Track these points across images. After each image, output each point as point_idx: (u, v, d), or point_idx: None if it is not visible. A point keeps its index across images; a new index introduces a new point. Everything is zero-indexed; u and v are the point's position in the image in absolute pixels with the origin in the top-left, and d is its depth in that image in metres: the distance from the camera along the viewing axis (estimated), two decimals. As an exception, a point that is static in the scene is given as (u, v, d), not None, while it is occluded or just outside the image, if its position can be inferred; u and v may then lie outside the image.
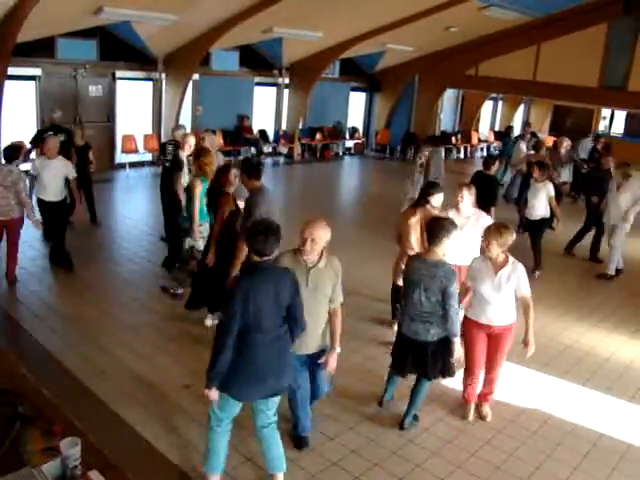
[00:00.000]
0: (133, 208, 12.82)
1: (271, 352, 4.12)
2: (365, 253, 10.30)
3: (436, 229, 5.12)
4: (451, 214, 6.70)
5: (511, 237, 5.22)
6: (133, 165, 15.76)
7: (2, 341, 6.08)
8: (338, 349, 4.80)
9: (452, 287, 4.96)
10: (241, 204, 6.79)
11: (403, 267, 5.80)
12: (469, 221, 6.85)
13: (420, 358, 5.20)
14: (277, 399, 4.37)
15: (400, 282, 6.26)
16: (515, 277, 5.23)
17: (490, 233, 5.25)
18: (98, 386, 5.66)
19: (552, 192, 9.56)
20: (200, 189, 7.29)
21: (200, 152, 7.83)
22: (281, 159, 19.52)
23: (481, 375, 5.64)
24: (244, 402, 4.24)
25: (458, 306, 5.12)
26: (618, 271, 10.12)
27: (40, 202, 8.44)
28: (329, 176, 18.53)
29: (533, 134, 17.04)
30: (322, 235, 4.56)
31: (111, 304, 7.69)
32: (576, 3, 16.59)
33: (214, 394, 4.09)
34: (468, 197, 6.89)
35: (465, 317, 5.51)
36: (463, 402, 5.73)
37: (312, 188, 16.36)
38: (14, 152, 7.91)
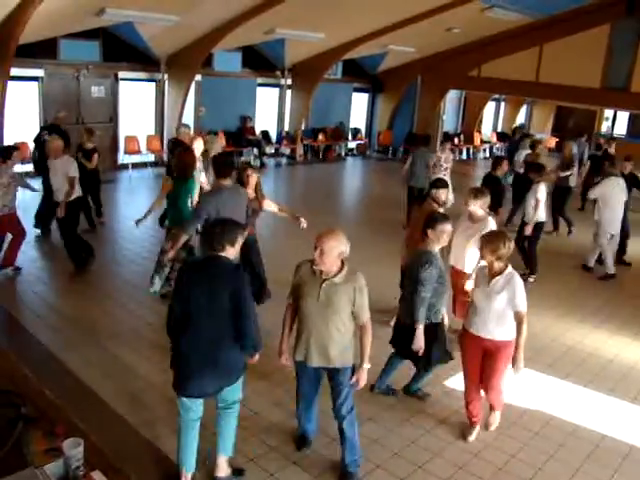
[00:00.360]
0: (135, 209, 12.77)
1: (205, 354, 4.03)
2: (367, 254, 10.29)
3: (426, 221, 5.48)
4: (464, 220, 6.95)
5: (504, 246, 4.92)
6: (136, 166, 15.78)
7: (4, 341, 6.09)
8: (367, 365, 4.50)
9: (422, 273, 5.22)
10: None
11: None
12: (478, 227, 6.69)
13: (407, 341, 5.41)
14: (226, 395, 4.27)
15: None
16: (509, 289, 4.92)
17: (483, 240, 5.13)
18: (100, 387, 5.67)
19: (540, 195, 9.29)
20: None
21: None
22: (283, 160, 19.54)
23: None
24: (184, 398, 4.22)
25: (425, 294, 5.27)
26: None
27: (54, 203, 8.50)
28: (331, 177, 18.53)
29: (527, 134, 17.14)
30: (334, 246, 4.19)
31: (113, 305, 7.70)
32: (578, 4, 16.58)
33: None
34: (474, 202, 6.77)
35: (462, 327, 5.37)
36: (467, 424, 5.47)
37: (314, 189, 16.36)
38: (6, 152, 8.06)
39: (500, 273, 4.99)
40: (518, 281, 4.97)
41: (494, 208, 8.24)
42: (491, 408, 5.48)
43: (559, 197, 12.42)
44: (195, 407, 4.26)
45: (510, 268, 5.04)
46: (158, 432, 5.07)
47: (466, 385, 5.37)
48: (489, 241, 5.01)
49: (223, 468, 4.44)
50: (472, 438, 5.34)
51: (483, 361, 5.16)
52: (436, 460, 5.02)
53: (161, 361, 6.24)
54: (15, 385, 3.16)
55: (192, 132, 10.45)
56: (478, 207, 6.78)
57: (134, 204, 13.29)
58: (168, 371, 6.01)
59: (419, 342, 5.29)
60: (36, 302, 7.60)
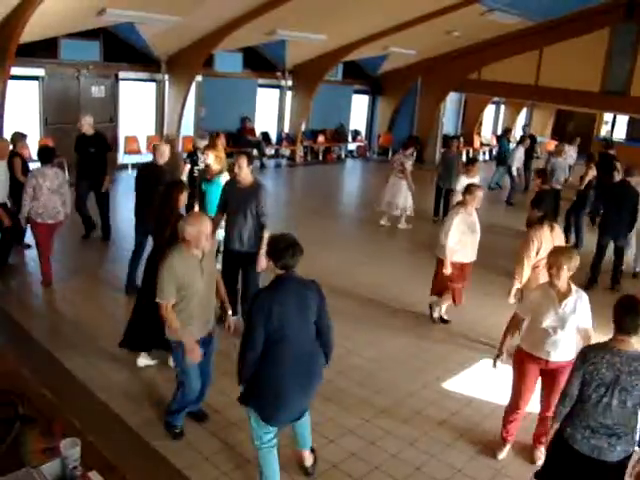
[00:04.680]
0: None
1: (298, 368, 4.14)
2: (366, 254, 10.33)
3: (632, 312, 3.81)
4: (461, 213, 7.21)
5: (577, 260, 4.73)
6: (136, 166, 15.75)
7: (3, 341, 6.09)
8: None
9: None
10: None
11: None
12: (473, 220, 7.38)
13: None
14: (307, 419, 4.63)
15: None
16: (581, 307, 4.74)
17: (559, 257, 4.69)
18: (98, 387, 5.67)
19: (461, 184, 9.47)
20: None
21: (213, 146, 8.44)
22: (283, 161, 19.54)
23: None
24: (275, 426, 4.32)
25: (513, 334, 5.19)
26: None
27: None
28: (331, 179, 18.54)
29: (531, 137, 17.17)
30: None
31: (112, 305, 7.70)
32: (578, 8, 16.59)
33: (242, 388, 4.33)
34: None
35: (519, 347, 5.06)
36: (499, 441, 5.30)
37: (314, 191, 16.36)
38: (51, 154, 7.99)
39: (569, 292, 4.76)
40: (586, 298, 4.83)
41: None
42: (541, 439, 5.12)
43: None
44: (274, 428, 4.37)
45: (574, 285, 4.84)
46: (155, 433, 5.07)
47: (515, 405, 5.12)
48: (568, 259, 4.68)
49: (309, 458, 4.81)
50: (503, 455, 5.23)
51: (544, 382, 5.03)
52: (432, 462, 5.04)
53: (159, 362, 6.26)
54: (13, 385, 3.17)
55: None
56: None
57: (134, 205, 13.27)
58: (165, 371, 6.07)
59: None
60: (35, 302, 7.61)
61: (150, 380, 5.95)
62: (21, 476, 2.45)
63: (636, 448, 3.92)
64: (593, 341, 4.43)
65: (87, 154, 9.83)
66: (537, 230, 6.62)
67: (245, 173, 6.72)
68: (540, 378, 5.03)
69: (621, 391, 3.74)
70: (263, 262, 6.52)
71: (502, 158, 16.91)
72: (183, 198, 6.02)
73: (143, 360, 6.24)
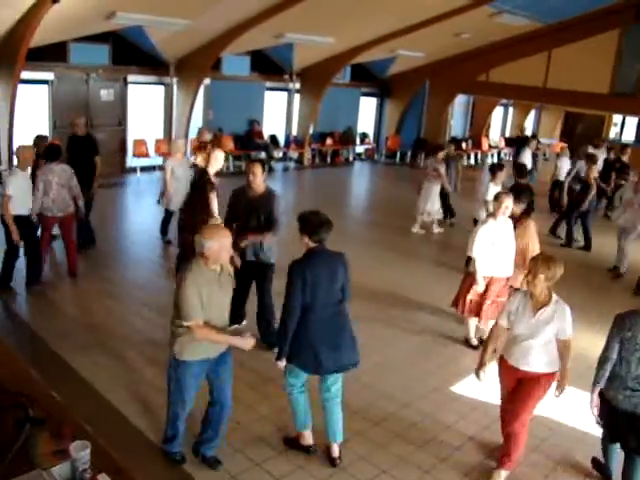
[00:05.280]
0: (144, 212, 12.85)
1: (330, 328, 4.66)
2: (377, 257, 10.32)
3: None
4: (490, 223, 6.83)
5: (560, 270, 4.53)
6: (144, 169, 15.81)
7: (13, 344, 6.12)
8: None
9: None
10: None
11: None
12: (505, 230, 6.87)
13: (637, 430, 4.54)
14: (338, 377, 4.86)
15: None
16: (561, 317, 4.55)
17: (537, 264, 4.55)
18: (108, 390, 5.68)
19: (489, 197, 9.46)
20: None
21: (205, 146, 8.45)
22: (291, 164, 19.55)
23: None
24: (310, 374, 4.79)
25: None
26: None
27: None
28: (339, 181, 18.52)
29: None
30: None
31: (121, 308, 7.72)
32: (591, 9, 16.55)
33: (282, 364, 4.73)
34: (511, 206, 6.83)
35: (501, 354, 4.98)
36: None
37: (322, 193, 16.33)
38: (57, 152, 8.21)
39: (548, 301, 4.59)
40: (567, 308, 4.59)
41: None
42: (502, 459, 4.89)
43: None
44: (305, 376, 4.85)
45: (555, 295, 4.65)
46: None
47: (501, 416, 5.08)
48: (546, 268, 4.50)
49: (336, 450, 4.98)
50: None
51: (516, 390, 4.80)
52: (440, 466, 5.02)
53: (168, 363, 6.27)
54: (23, 387, 3.17)
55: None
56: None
57: (142, 207, 13.34)
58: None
59: None
60: (44, 305, 7.63)
61: (158, 383, 5.95)
62: (32, 478, 2.46)
63: None
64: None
65: (77, 155, 9.54)
66: (529, 222, 7.10)
67: (260, 181, 6.53)
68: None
69: None
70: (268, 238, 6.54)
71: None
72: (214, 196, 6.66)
73: None
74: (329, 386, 4.84)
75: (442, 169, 12.04)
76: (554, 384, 4.74)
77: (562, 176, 13.53)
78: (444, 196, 12.68)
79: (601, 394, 4.68)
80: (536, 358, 4.65)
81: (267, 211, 6.50)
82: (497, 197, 6.89)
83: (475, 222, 9.01)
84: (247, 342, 4.45)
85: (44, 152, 8.36)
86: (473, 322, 7.31)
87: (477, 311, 7.09)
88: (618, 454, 4.87)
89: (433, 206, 12.33)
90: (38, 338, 6.66)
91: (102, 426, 3.42)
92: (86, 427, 2.96)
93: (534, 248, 6.99)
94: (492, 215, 6.91)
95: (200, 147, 9.39)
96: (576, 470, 5.14)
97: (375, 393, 6.09)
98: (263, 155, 18.02)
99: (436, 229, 12.61)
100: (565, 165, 14.01)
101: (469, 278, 7.09)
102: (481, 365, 5.00)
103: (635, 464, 4.59)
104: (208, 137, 11.31)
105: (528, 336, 4.62)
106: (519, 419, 4.73)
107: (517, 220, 7.10)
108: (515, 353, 4.73)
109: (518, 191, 7.44)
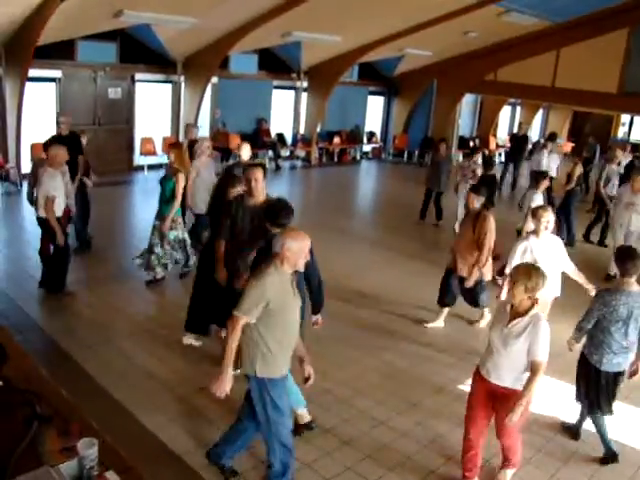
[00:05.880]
0: (151, 210, 12.83)
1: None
2: (383, 256, 10.30)
3: (630, 258, 5.01)
4: (532, 240, 6.45)
5: (542, 282, 4.29)
6: (151, 167, 15.83)
7: (21, 342, 6.13)
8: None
9: None
10: None
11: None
12: (549, 247, 6.48)
13: (613, 389, 5.19)
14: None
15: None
16: (532, 333, 4.24)
17: (518, 273, 4.34)
18: (115, 387, 5.69)
19: (533, 203, 9.29)
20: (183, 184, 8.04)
21: (178, 145, 8.29)
22: (299, 163, 19.55)
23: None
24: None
25: None
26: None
27: None
28: (347, 180, 18.52)
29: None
30: None
31: (128, 305, 7.73)
32: (597, 9, 16.48)
33: None
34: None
35: (477, 365, 4.71)
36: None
37: (330, 192, 16.35)
38: None
39: (524, 313, 4.32)
40: (543, 326, 4.27)
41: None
42: (504, 463, 4.80)
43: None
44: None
45: (536, 308, 4.36)
46: (172, 433, 5.08)
47: (467, 430, 4.66)
48: (527, 277, 4.25)
49: (306, 415, 5.18)
50: None
51: (494, 407, 4.52)
52: (447, 464, 5.01)
53: (175, 362, 6.28)
54: (31, 385, 3.18)
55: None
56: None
57: (149, 205, 13.34)
58: (182, 372, 6.09)
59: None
60: (51, 302, 7.64)
61: (165, 381, 5.96)
62: (40, 475, 2.46)
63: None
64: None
65: None
66: (488, 215, 7.08)
67: (261, 188, 5.94)
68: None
69: (633, 321, 4.96)
70: None
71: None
72: (235, 191, 6.30)
73: (189, 339, 6.68)
74: None
75: (479, 170, 12.07)
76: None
77: (553, 174, 13.78)
78: (437, 196, 12.72)
79: (586, 359, 5.22)
80: (506, 372, 4.37)
81: None
82: (535, 213, 6.54)
83: (518, 234, 8.83)
84: (222, 385, 4.13)
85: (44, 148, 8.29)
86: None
87: None
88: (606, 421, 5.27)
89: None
90: (46, 336, 6.68)
91: (110, 424, 3.42)
92: (94, 425, 2.97)
93: (490, 242, 7.00)
94: (534, 232, 6.51)
95: (172, 145, 9.05)
96: (581, 471, 5.12)
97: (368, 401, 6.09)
98: (270, 154, 18.05)
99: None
100: (554, 163, 14.31)
101: None
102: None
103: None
104: (196, 134, 11.19)
105: (499, 347, 4.36)
106: (507, 435, 4.57)
107: (477, 214, 7.14)
108: (487, 363, 4.49)
109: (476, 186, 7.48)
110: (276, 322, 4.06)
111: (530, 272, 4.28)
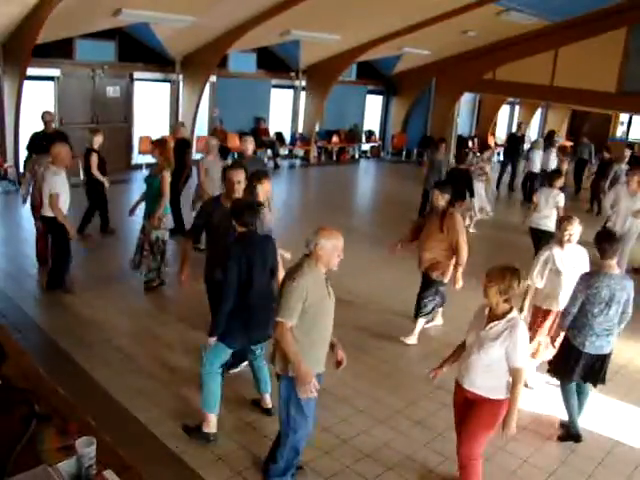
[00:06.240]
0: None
1: (261, 306, 4.85)
2: (380, 255, 10.30)
3: (607, 240, 5.23)
4: (555, 250, 6.15)
5: (517, 284, 4.08)
6: (150, 166, 15.77)
7: (19, 340, 6.13)
8: None
9: (633, 296, 5.28)
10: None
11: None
12: (574, 259, 6.17)
13: (597, 370, 5.37)
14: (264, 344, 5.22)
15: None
16: (509, 338, 4.04)
17: (491, 273, 4.15)
18: (113, 386, 5.68)
19: (561, 203, 9.29)
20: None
21: (163, 142, 8.31)
22: (297, 162, 19.56)
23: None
24: (234, 349, 4.99)
25: None
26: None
27: None
28: (345, 179, 18.53)
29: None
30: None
31: (127, 304, 7.73)
32: (595, 8, 16.48)
33: (213, 339, 4.83)
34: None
35: None
36: None
37: (328, 191, 16.36)
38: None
39: (502, 316, 4.14)
40: (521, 331, 4.07)
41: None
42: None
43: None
44: (227, 357, 5.01)
45: (514, 312, 4.18)
46: (171, 432, 5.08)
47: (457, 432, 4.53)
48: (500, 278, 4.07)
49: (269, 401, 5.43)
50: None
51: (464, 414, 4.36)
52: (446, 462, 5.01)
53: (175, 362, 6.29)
54: (29, 383, 3.17)
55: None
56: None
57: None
58: (182, 371, 6.09)
59: None
60: (50, 301, 7.64)
61: (164, 379, 5.96)
62: (39, 473, 2.46)
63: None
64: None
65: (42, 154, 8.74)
66: (455, 214, 6.97)
67: (242, 190, 5.77)
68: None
69: (615, 303, 5.15)
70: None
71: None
72: (266, 187, 6.55)
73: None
74: (256, 348, 5.27)
75: (488, 168, 12.27)
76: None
77: (536, 168, 14.32)
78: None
79: (570, 341, 5.38)
80: (479, 378, 4.19)
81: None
82: (559, 224, 6.44)
83: (539, 234, 9.09)
84: (307, 388, 4.08)
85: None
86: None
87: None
88: (576, 400, 5.50)
89: (481, 202, 12.57)
90: (45, 334, 6.68)
91: (109, 423, 3.41)
92: (92, 423, 2.96)
93: (463, 245, 6.81)
94: (559, 242, 6.20)
95: (156, 142, 8.67)
96: (579, 471, 5.12)
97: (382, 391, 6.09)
98: (269, 153, 18.05)
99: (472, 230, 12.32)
100: (538, 158, 14.60)
101: (539, 313, 6.36)
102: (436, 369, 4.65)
103: (586, 393, 5.57)
104: (185, 133, 11.16)
105: (475, 349, 4.18)
106: (465, 447, 4.31)
107: (443, 211, 6.93)
108: (462, 368, 4.33)
109: (441, 182, 7.41)
110: (310, 322, 4.09)
111: (504, 273, 4.08)
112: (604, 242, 5.21)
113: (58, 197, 7.25)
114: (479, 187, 12.29)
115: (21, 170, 11.79)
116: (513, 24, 16.73)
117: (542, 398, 6.18)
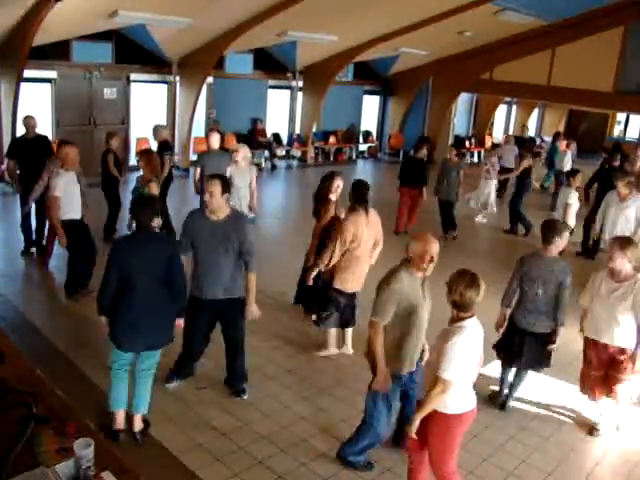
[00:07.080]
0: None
1: (145, 309, 4.65)
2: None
3: (550, 229, 5.61)
4: (600, 273, 5.50)
5: (470, 293, 3.83)
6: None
7: (16, 341, 6.12)
8: None
9: (567, 281, 5.50)
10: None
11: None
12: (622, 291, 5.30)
13: (529, 349, 5.72)
14: (152, 354, 4.90)
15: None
16: (439, 344, 3.95)
17: (454, 277, 3.93)
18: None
19: (571, 200, 9.60)
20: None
21: (148, 153, 8.37)
22: (294, 162, 19.55)
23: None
24: (124, 351, 4.82)
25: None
26: None
27: None
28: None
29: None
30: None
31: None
32: (592, 7, 16.51)
33: (104, 320, 4.87)
34: (622, 258, 5.20)
35: None
36: None
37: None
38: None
39: (450, 321, 3.98)
40: (453, 339, 3.81)
41: None
42: None
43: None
44: (128, 356, 4.88)
45: (462, 322, 3.91)
46: (167, 433, 5.08)
47: None
48: (459, 278, 3.90)
49: (139, 423, 4.93)
50: None
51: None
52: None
53: (171, 363, 6.27)
54: (27, 385, 3.17)
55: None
56: (627, 262, 5.20)
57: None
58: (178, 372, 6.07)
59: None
60: (47, 301, 7.63)
61: (161, 380, 5.95)
62: (36, 475, 2.46)
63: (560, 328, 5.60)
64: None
65: (27, 160, 8.80)
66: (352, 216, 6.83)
67: (217, 203, 5.15)
68: None
69: (543, 283, 5.53)
70: (255, 309, 5.49)
71: (552, 161, 16.96)
72: (335, 186, 7.16)
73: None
74: (143, 360, 4.91)
75: (496, 166, 13.04)
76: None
77: (510, 166, 14.34)
78: (445, 205, 12.00)
79: (511, 320, 5.84)
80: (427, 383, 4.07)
81: (237, 240, 5.24)
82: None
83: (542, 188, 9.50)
84: (384, 384, 4.40)
85: None
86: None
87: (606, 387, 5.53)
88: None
89: (487, 198, 13.30)
90: (42, 336, 6.67)
91: (106, 424, 3.41)
92: (90, 425, 2.96)
93: (329, 247, 6.68)
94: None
95: (142, 152, 8.53)
96: (580, 469, 5.13)
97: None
98: (266, 153, 18.04)
99: (478, 218, 13.54)
100: (512, 155, 14.62)
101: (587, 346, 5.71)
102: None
103: (521, 375, 5.87)
104: (166, 135, 11.20)
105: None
106: (432, 463, 4.17)
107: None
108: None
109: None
110: (404, 323, 4.30)
111: (458, 280, 3.87)
112: (543, 229, 5.68)
113: (57, 200, 7.19)
114: (489, 185, 13.21)
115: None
116: (510, 24, 16.73)
117: (543, 398, 6.18)
